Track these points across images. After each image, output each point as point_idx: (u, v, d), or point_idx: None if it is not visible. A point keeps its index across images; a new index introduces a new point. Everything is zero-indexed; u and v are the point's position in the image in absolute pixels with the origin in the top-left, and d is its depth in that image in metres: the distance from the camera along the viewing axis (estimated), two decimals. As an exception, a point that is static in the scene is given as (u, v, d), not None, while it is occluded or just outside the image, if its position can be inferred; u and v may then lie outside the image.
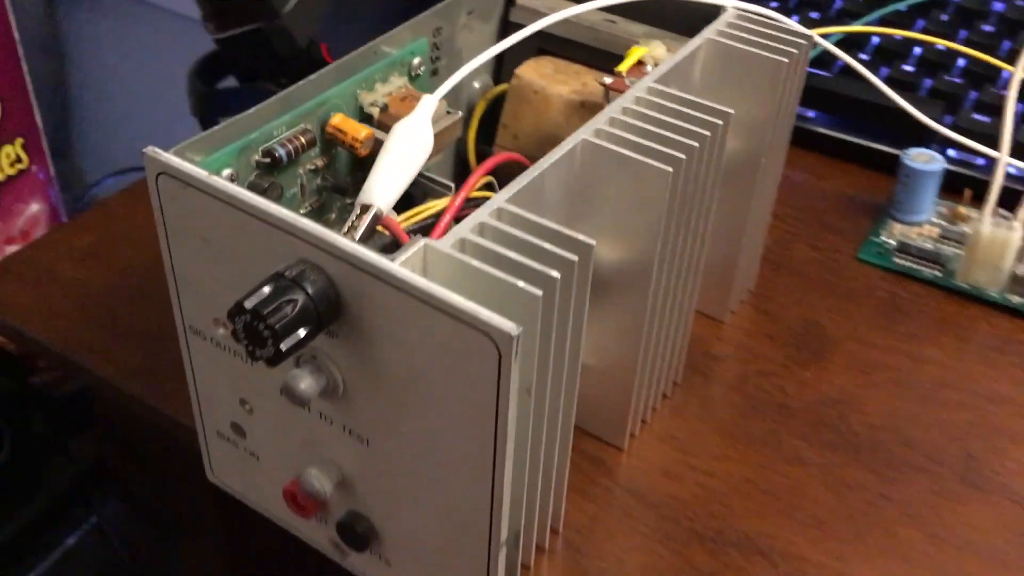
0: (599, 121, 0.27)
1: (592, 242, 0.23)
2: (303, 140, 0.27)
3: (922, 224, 0.41)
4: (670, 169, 0.25)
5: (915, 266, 0.39)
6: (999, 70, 0.44)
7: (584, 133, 0.26)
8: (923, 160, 0.40)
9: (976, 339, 0.36)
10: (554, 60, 0.34)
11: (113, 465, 0.43)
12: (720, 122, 0.28)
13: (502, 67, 0.36)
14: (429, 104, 0.26)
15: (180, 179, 0.24)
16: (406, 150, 0.26)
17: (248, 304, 0.22)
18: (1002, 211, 0.37)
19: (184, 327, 0.28)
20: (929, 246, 0.39)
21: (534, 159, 0.26)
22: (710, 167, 0.28)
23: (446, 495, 0.24)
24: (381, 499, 0.26)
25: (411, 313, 0.22)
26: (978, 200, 0.40)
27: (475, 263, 0.22)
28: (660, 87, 0.28)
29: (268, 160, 0.26)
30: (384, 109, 0.29)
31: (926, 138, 0.42)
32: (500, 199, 0.24)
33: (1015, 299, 0.37)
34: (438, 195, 0.30)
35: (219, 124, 0.26)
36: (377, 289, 0.22)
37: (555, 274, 0.22)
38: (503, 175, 0.27)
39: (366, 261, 0.22)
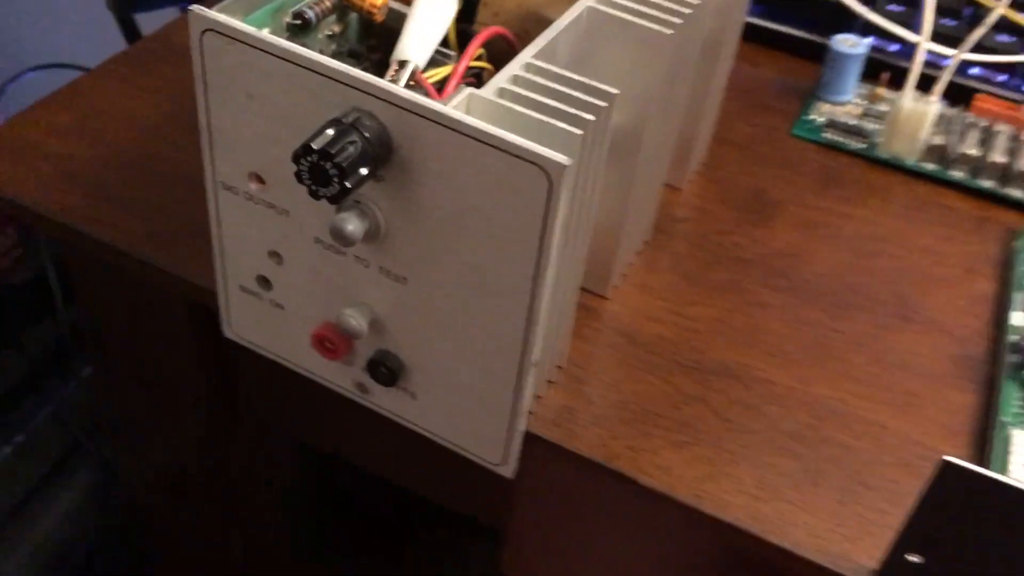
0: (600, -12, 0.30)
1: (615, 91, 0.26)
2: (327, 4, 0.29)
3: (846, 104, 0.45)
4: (671, 31, 0.29)
5: (842, 140, 0.43)
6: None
7: (589, 1, 0.29)
8: (848, 44, 0.44)
9: (898, 201, 0.41)
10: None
11: (91, 341, 0.44)
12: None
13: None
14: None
15: (228, 35, 0.26)
16: (436, 8, 0.28)
17: (316, 145, 0.24)
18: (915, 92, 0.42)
19: (215, 184, 0.29)
20: (854, 122, 0.44)
21: (517, 36, 0.29)
22: (696, 35, 0.32)
23: (482, 323, 0.27)
24: (412, 335, 0.29)
25: (463, 152, 0.24)
26: (894, 83, 0.44)
27: (517, 107, 0.25)
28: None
29: (299, 22, 0.28)
30: (395, -23, 0.30)
31: (847, 26, 0.46)
32: (527, 55, 0.27)
33: (929, 166, 0.42)
34: (439, 64, 0.32)
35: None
36: (431, 131, 0.24)
37: (589, 116, 0.25)
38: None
39: (423, 105, 0.24)
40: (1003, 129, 0.42)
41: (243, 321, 0.33)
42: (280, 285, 0.31)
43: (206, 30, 0.26)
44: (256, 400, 0.43)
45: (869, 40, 0.45)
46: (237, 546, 0.52)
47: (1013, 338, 0.34)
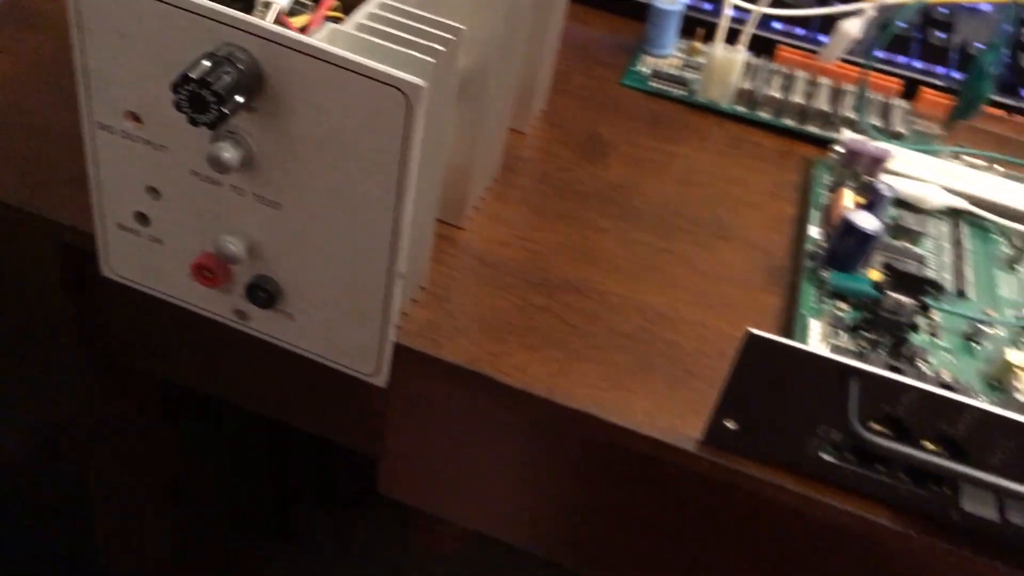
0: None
1: (463, 27, 0.29)
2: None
3: (667, 57, 0.50)
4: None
5: (666, 88, 0.48)
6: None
7: (434, -50, 0.32)
8: (668, 2, 0.49)
9: (714, 139, 0.47)
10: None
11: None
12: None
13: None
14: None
15: (103, -22, 0.28)
16: (297, -43, 0.31)
17: (194, 74, 0.26)
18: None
19: (92, 124, 0.31)
20: (676, 72, 0.49)
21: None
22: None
23: (352, 240, 0.30)
24: (287, 258, 0.32)
25: (328, 79, 0.27)
26: (708, 38, 0.50)
27: (375, 40, 0.28)
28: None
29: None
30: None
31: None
32: (382, -3, 0.30)
33: (740, 108, 0.48)
34: (298, 14, 0.35)
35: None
36: (298, 62, 0.27)
37: (440, 47, 0.28)
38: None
39: (291, 38, 0.27)
40: (802, 75, 0.48)
41: (121, 259, 0.35)
42: (158, 220, 0.33)
43: (80, -26, 0.28)
44: (128, 346, 0.44)
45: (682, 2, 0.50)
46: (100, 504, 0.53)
47: (809, 247, 0.40)
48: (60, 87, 0.41)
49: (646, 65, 0.49)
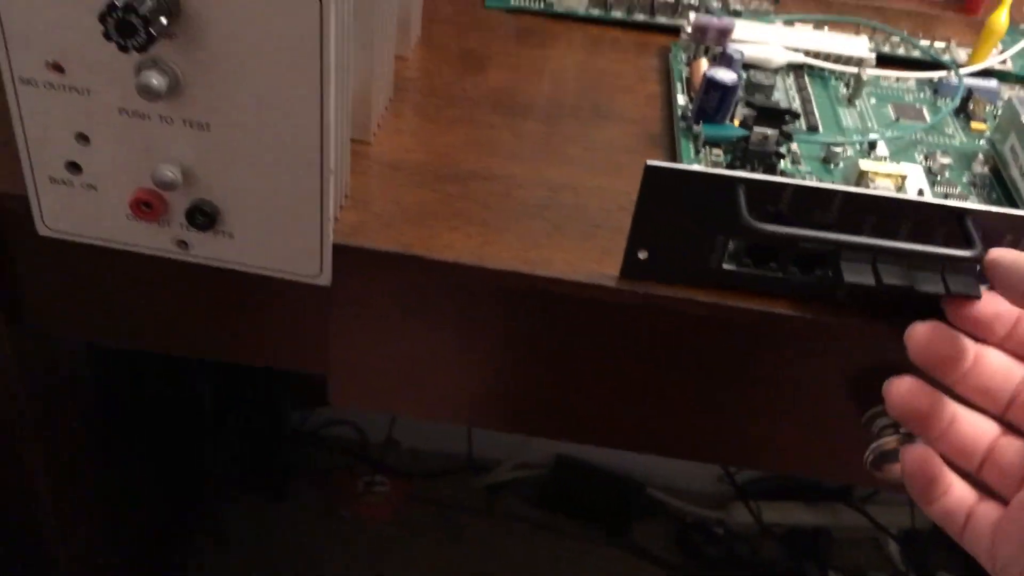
0: None
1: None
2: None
3: (522, -22, 0.54)
4: None
5: (526, 4, 0.53)
6: None
7: None
8: (513, -74, 0.53)
9: (577, 42, 0.51)
10: None
11: None
12: None
13: None
14: None
15: (11, -69, 0.30)
16: None
17: (119, 2, 0.29)
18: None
19: (13, 81, 0.33)
20: (531, -11, 0.53)
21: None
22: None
23: (283, 147, 0.33)
24: (222, 177, 0.35)
25: (241, -9, 0.30)
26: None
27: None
28: None
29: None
30: None
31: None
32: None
33: (595, 12, 0.52)
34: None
35: None
36: (210, -20, 0.30)
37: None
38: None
39: (200, -44, 0.30)
40: (643, -26, 0.53)
41: (55, 213, 0.37)
42: (90, 165, 0.35)
43: (-12, -70, 0.30)
44: (53, 314, 0.45)
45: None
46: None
47: (679, 112, 0.45)
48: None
49: (502, -12, 0.54)
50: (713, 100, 0.42)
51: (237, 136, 0.33)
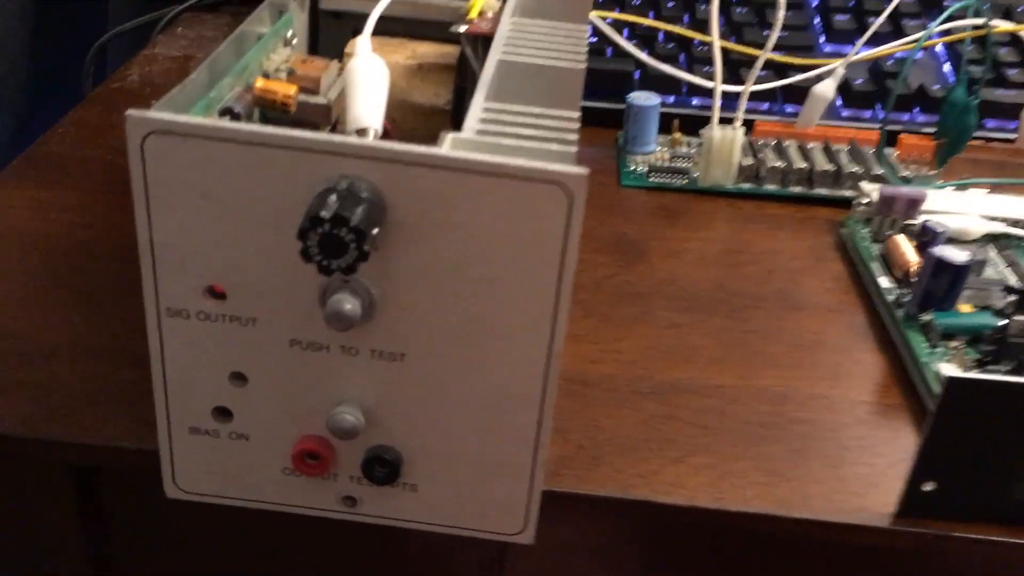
0: (497, 50, 0.31)
1: (577, 114, 0.27)
2: (249, 98, 0.27)
3: (653, 152, 0.49)
4: (582, 67, 0.30)
5: (667, 180, 0.47)
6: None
7: (496, 56, 0.30)
8: (644, 99, 0.49)
9: (733, 220, 0.45)
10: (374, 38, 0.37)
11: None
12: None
13: (317, 51, 0.38)
14: (366, 38, 0.28)
15: (180, 133, 0.24)
16: (374, 77, 0.27)
17: (325, 213, 0.22)
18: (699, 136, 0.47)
19: (159, 313, 0.26)
20: (670, 164, 0.48)
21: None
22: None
23: (497, 379, 0.26)
24: (412, 419, 0.27)
25: (469, 192, 0.24)
26: (684, 128, 0.50)
27: (504, 141, 0.25)
28: (520, 19, 0.33)
29: (227, 118, 0.27)
30: (291, 72, 0.30)
31: (626, 89, 0.51)
32: (479, 102, 0.27)
33: (745, 186, 0.47)
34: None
35: (176, 87, 0.25)
36: (430, 180, 0.24)
37: (571, 136, 0.26)
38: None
39: (423, 153, 0.23)
40: (790, 143, 0.48)
41: (193, 470, 0.29)
42: (243, 412, 0.28)
43: (149, 133, 0.24)
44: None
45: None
46: None
47: (890, 298, 0.38)
48: (42, 303, 0.35)
49: (636, 163, 0.48)
50: (942, 283, 0.36)
51: (439, 369, 0.27)
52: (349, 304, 0.25)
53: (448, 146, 0.25)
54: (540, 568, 0.34)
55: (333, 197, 0.23)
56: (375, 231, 0.23)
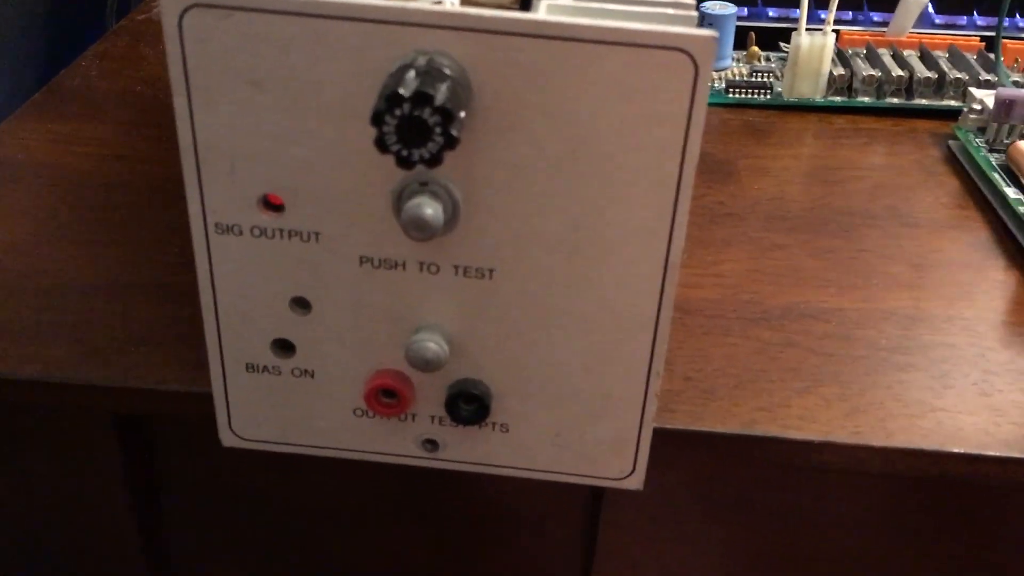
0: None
1: (686, -17, 0.23)
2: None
3: (728, 67, 0.45)
4: None
5: (748, 97, 0.43)
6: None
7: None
8: (719, 7, 0.44)
9: (826, 135, 0.41)
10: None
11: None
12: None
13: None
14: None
15: (224, 5, 0.20)
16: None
17: (404, 91, 0.18)
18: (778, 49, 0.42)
19: (207, 230, 0.23)
20: (750, 79, 0.44)
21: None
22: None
23: (603, 292, 0.22)
24: (502, 346, 0.23)
25: (573, 64, 0.20)
26: (760, 43, 0.45)
27: (610, 4, 0.21)
28: None
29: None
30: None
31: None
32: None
33: (837, 99, 0.42)
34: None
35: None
36: (527, 53, 0.20)
37: (692, 12, 0.22)
38: None
39: (514, 20, 0.19)
40: (883, 51, 0.44)
41: (251, 414, 0.25)
42: (308, 344, 0.24)
43: (189, 7, 0.20)
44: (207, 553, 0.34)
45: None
46: None
47: (1021, 208, 0.34)
48: (74, 239, 0.32)
49: (711, 79, 0.44)
50: (1088, 189, 0.31)
51: (533, 285, 0.23)
52: (430, 208, 0.21)
53: (544, 11, 0.21)
54: (640, 520, 0.30)
55: (412, 73, 0.19)
56: (462, 114, 0.19)
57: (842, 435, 0.26)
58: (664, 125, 0.20)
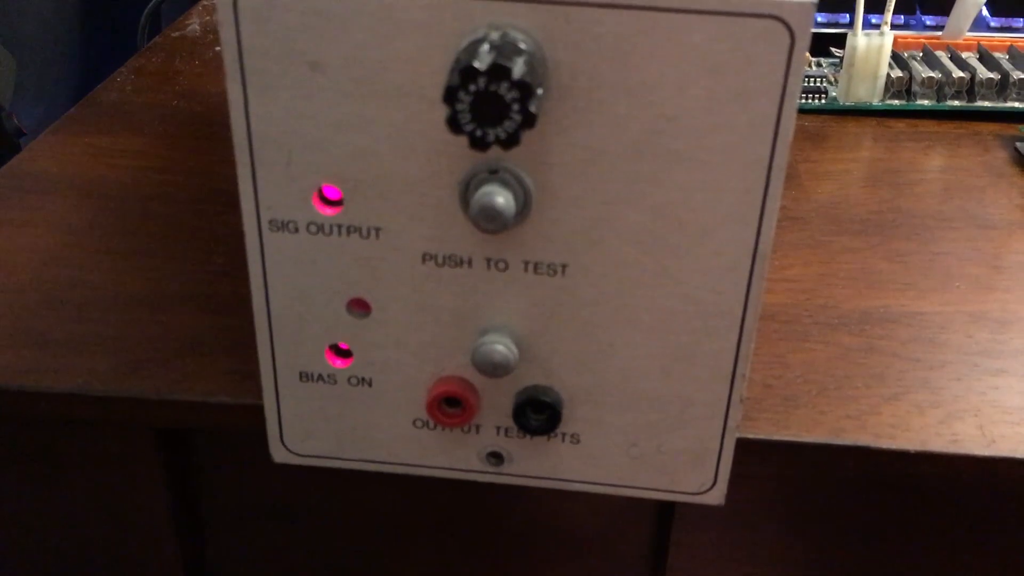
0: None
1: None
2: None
3: (779, 75, 0.43)
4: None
5: (804, 101, 0.41)
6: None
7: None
8: (769, 12, 0.43)
9: (886, 139, 0.39)
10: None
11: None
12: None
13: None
14: None
15: (283, -19, 0.19)
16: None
17: (479, 64, 0.17)
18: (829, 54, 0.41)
19: (260, 227, 0.21)
20: (805, 84, 0.42)
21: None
22: None
23: (687, 286, 0.21)
24: (574, 348, 0.22)
25: (658, 36, 0.18)
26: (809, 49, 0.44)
27: (691, -20, 0.20)
28: None
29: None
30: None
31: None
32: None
33: (895, 102, 0.41)
34: None
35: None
36: (606, 25, 0.18)
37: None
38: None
39: (597, -12, 0.18)
40: (940, 54, 0.42)
41: (304, 427, 0.24)
42: (365, 349, 0.23)
43: (245, -15, 0.19)
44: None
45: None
46: None
47: (1105, 206, 0.32)
48: (114, 251, 0.30)
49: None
50: None
51: (609, 282, 0.21)
52: (501, 197, 0.19)
53: (625, -18, 0.19)
54: (713, 538, 0.28)
55: (486, 47, 0.18)
56: (539, 91, 0.18)
57: (939, 444, 0.24)
58: (756, 101, 0.19)
